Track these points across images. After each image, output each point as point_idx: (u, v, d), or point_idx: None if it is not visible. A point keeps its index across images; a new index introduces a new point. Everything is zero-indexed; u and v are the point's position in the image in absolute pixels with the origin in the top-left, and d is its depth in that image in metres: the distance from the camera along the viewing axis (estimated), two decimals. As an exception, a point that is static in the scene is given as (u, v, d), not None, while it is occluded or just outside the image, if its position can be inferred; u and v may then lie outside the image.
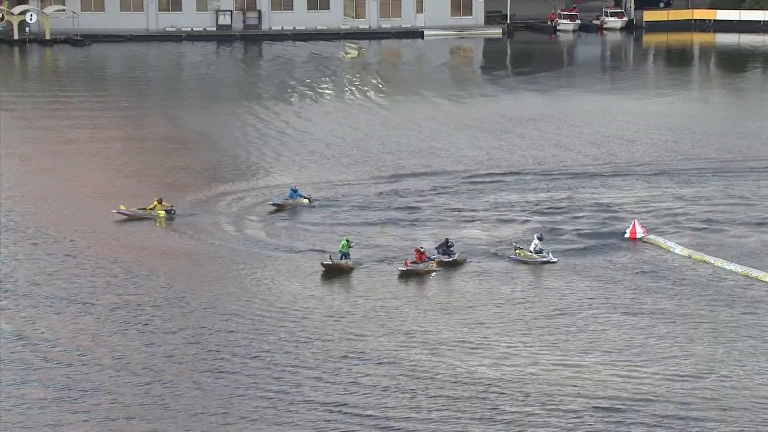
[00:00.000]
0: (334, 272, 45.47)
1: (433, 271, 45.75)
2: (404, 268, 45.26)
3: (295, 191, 55.18)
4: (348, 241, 46.61)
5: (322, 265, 45.72)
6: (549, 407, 33.83)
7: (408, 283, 44.77)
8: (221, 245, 49.52)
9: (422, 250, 46.08)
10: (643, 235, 50.29)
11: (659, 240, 49.94)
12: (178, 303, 42.26)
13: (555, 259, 47.01)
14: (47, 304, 42.30)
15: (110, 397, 34.39)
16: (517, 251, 47.29)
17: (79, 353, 37.70)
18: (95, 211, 53.96)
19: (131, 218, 52.15)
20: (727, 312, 41.83)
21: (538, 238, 47.57)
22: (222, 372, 36.18)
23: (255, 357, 37.35)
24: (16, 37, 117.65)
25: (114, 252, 48.38)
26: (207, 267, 46.82)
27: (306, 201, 54.99)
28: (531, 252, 47.06)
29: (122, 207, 52.09)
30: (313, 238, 50.33)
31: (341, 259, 45.87)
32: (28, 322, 40.44)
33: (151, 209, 52.12)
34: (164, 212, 52.24)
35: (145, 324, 40.12)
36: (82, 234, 50.90)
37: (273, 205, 54.76)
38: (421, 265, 45.54)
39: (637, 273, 46.15)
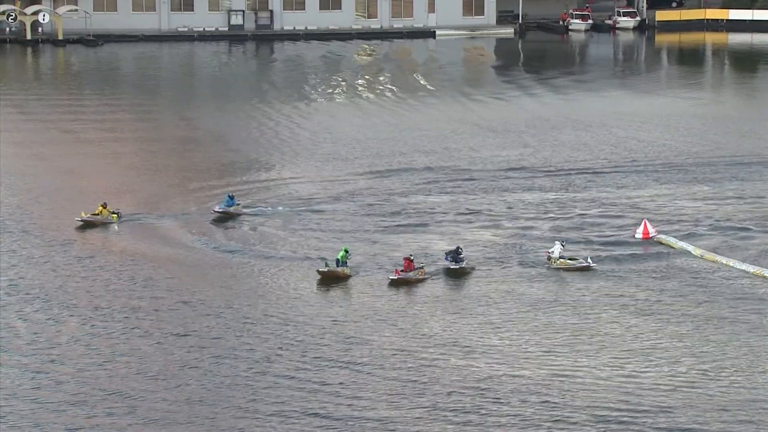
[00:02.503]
0: (330, 279, 44.44)
1: (423, 279, 44.77)
2: (395, 277, 44.26)
3: (231, 198, 53.49)
4: (347, 251, 45.41)
5: (318, 272, 44.81)
6: (563, 411, 33.82)
7: (411, 290, 43.96)
8: (218, 250, 49.04)
9: (411, 258, 45.05)
10: (653, 234, 50.17)
11: (670, 239, 49.82)
12: (179, 309, 41.94)
13: (594, 264, 46.09)
14: (55, 306, 42.45)
15: (118, 401, 34.49)
16: (551, 261, 46.18)
17: (88, 357, 37.79)
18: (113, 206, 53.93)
19: (98, 223, 51.68)
20: (741, 312, 41.71)
21: (561, 244, 46.86)
22: (223, 378, 36.21)
23: (254, 363, 37.35)
24: (28, 37, 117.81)
25: (115, 256, 48.34)
26: (202, 273, 46.08)
27: (239, 207, 53.41)
28: (564, 258, 46.23)
29: (83, 214, 51.93)
30: (314, 243, 49.50)
31: (338, 266, 44.81)
32: (38, 324, 40.56)
33: (98, 214, 51.83)
34: (116, 215, 51.94)
35: (148, 329, 39.99)
36: (88, 235, 51.11)
37: (217, 212, 52.89)
38: (411, 274, 44.51)
39: (647, 273, 45.96)
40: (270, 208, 54.58)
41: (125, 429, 32.68)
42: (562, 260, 46.15)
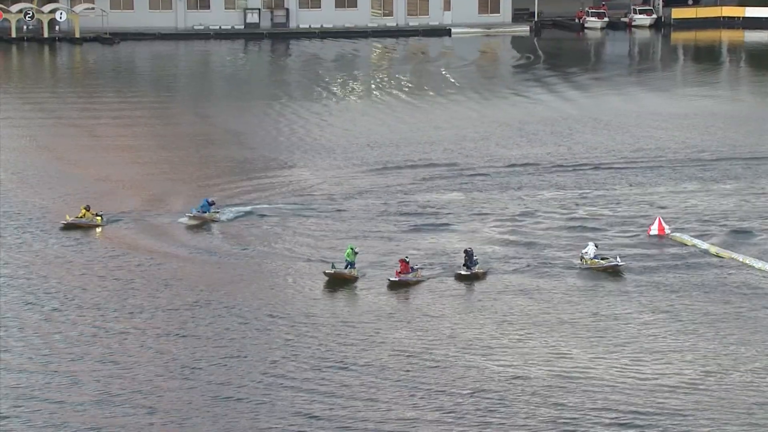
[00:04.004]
0: (337, 282, 43.83)
1: (421, 280, 44.20)
2: (395, 279, 43.72)
3: (211, 204, 52.34)
4: (353, 248, 44.60)
5: (325, 274, 44.22)
6: (580, 412, 33.85)
7: (420, 292, 43.48)
8: (221, 252, 48.74)
9: (407, 260, 44.37)
10: (668, 232, 50.09)
11: (684, 237, 49.76)
12: (186, 311, 41.80)
13: (623, 263, 45.76)
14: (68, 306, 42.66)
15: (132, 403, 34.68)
16: (583, 260, 45.88)
17: (101, 358, 37.97)
18: (110, 207, 54.05)
19: (83, 226, 51.43)
20: (757, 310, 41.66)
21: (594, 245, 46.33)
22: (234, 378, 36.32)
23: (267, 364, 37.41)
24: (46, 35, 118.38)
25: (114, 257, 48.32)
26: (206, 275, 45.75)
27: (216, 215, 52.15)
28: (596, 259, 45.81)
29: (68, 217, 51.91)
30: (320, 245, 48.97)
31: (346, 267, 44.31)
32: (41, 324, 40.77)
33: (81, 217, 51.77)
34: (100, 218, 51.80)
35: (153, 330, 39.97)
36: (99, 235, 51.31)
37: (190, 217, 51.78)
38: (410, 275, 44.02)
39: (662, 271, 45.84)
40: (261, 207, 54.20)
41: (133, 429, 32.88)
42: (594, 260, 45.94)
